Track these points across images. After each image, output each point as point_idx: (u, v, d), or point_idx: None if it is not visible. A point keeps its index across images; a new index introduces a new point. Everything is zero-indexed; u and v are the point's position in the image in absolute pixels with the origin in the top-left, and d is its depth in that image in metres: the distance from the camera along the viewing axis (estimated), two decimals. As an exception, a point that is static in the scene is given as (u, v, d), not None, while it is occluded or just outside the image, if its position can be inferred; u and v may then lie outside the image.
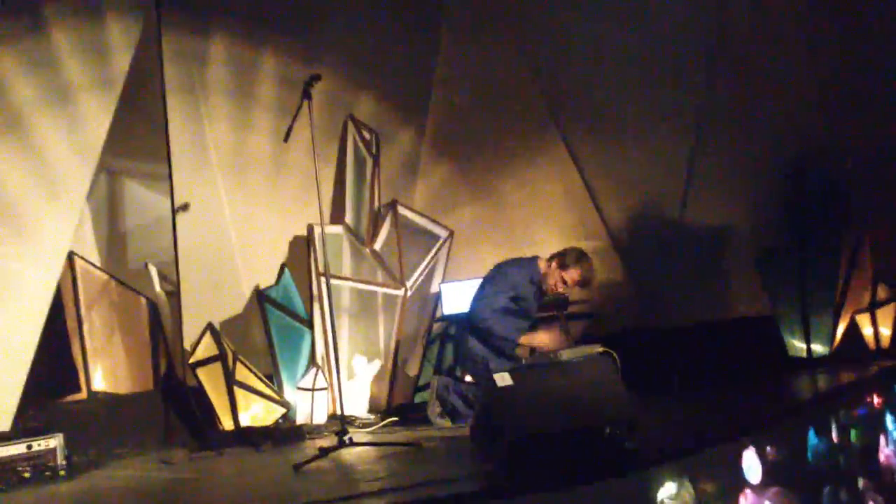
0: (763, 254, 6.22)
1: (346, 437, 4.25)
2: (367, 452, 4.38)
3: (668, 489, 3.15)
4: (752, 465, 3.56)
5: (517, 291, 5.12)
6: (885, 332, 6.09)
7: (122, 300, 6.57)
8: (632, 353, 4.17)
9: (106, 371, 6.43)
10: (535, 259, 5.25)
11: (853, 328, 6.15)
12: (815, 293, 6.06)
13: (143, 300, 6.54)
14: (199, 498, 3.83)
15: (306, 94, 4.36)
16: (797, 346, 6.18)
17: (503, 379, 3.28)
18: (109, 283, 6.53)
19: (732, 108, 6.22)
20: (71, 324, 6.28)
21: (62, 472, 4.59)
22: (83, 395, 6.24)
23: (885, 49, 5.82)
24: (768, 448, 3.68)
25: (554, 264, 5.16)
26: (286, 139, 4.51)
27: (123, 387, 6.42)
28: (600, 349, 4.61)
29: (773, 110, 6.09)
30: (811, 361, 6.06)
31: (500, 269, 5.20)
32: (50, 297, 5.11)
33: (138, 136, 6.30)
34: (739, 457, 3.55)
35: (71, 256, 6.18)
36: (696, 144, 6.36)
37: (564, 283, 5.14)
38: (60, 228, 5.18)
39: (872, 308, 6.08)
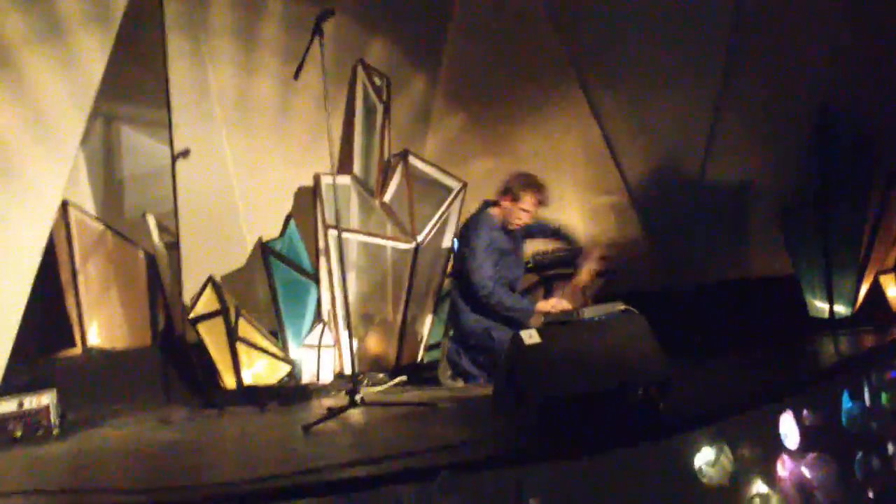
0: (786, 211, 6.01)
1: (357, 397, 4.04)
2: (378, 413, 4.21)
3: (705, 455, 2.95)
4: (788, 429, 3.36)
5: (490, 244, 5.00)
6: (910, 293, 5.87)
7: (119, 252, 6.48)
8: (650, 312, 3.98)
9: (102, 325, 6.36)
10: (484, 208, 5.16)
11: (876, 289, 5.92)
12: (838, 252, 5.80)
13: (141, 252, 6.44)
14: (202, 459, 3.65)
15: (318, 31, 4.10)
16: (819, 306, 5.96)
17: (531, 336, 3.07)
18: (105, 234, 6.44)
19: (758, 57, 5.96)
20: (65, 276, 6.23)
21: (55, 431, 4.43)
22: (78, 350, 6.19)
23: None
24: (804, 412, 3.48)
25: (506, 202, 5.08)
26: (296, 76, 4.29)
27: (120, 342, 6.35)
28: (622, 307, 4.48)
29: (800, 60, 5.84)
30: (833, 322, 5.80)
31: (463, 238, 5.05)
32: (42, 248, 4.86)
33: (136, 80, 6.10)
34: (775, 421, 3.35)
35: (65, 205, 6.13)
36: (721, 96, 6.13)
37: (525, 212, 5.06)
38: (53, 175, 4.93)
39: None
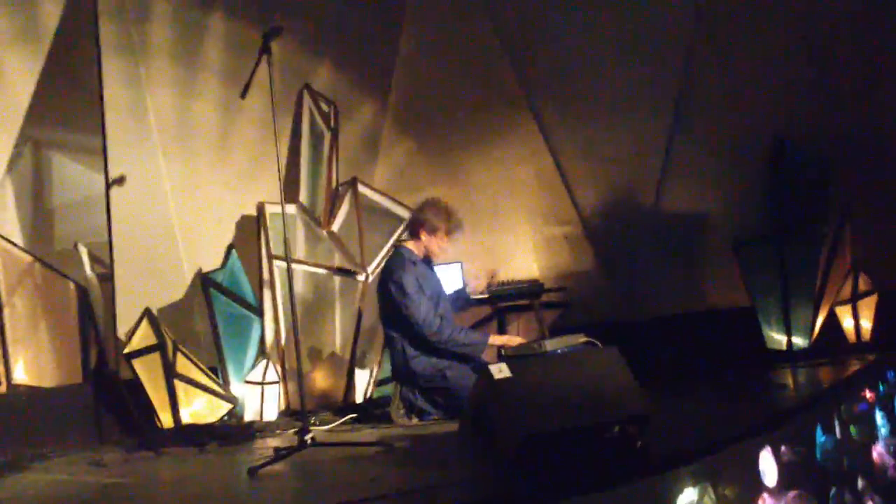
0: (741, 242, 6.01)
1: (308, 437, 3.76)
2: (330, 454, 3.92)
3: (688, 496, 2.76)
4: (767, 466, 3.21)
5: (419, 282, 4.71)
6: (866, 324, 5.91)
7: (48, 284, 6.06)
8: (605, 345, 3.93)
9: (28, 362, 5.91)
10: (400, 248, 4.88)
11: (832, 320, 5.98)
12: (794, 284, 5.84)
13: (72, 284, 6.03)
14: None
15: (265, 49, 3.87)
16: (776, 338, 5.97)
17: (500, 371, 2.85)
18: (33, 266, 5.99)
19: (713, 88, 6.06)
20: None
21: (-24, 476, 4.02)
22: (2, 388, 5.71)
23: (875, 27, 5.60)
24: (782, 448, 3.33)
25: (423, 236, 4.79)
26: (243, 95, 4.06)
27: (49, 379, 5.92)
28: (583, 339, 4.35)
29: (755, 91, 5.93)
30: (791, 354, 5.83)
31: (390, 283, 4.74)
32: (-37, 280, 4.45)
33: (69, 103, 5.74)
34: (755, 458, 3.18)
35: None
36: (675, 126, 6.18)
37: (445, 241, 4.81)
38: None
39: (854, 300, 5.89)
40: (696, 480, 2.83)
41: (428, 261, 4.89)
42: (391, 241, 5.71)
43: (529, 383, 2.86)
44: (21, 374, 5.87)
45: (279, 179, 4.06)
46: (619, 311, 6.24)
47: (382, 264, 5.24)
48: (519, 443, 2.68)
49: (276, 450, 3.86)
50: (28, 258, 5.99)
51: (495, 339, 4.77)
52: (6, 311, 5.89)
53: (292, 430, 4.44)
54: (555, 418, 2.75)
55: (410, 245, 4.85)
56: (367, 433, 4.51)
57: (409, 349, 4.70)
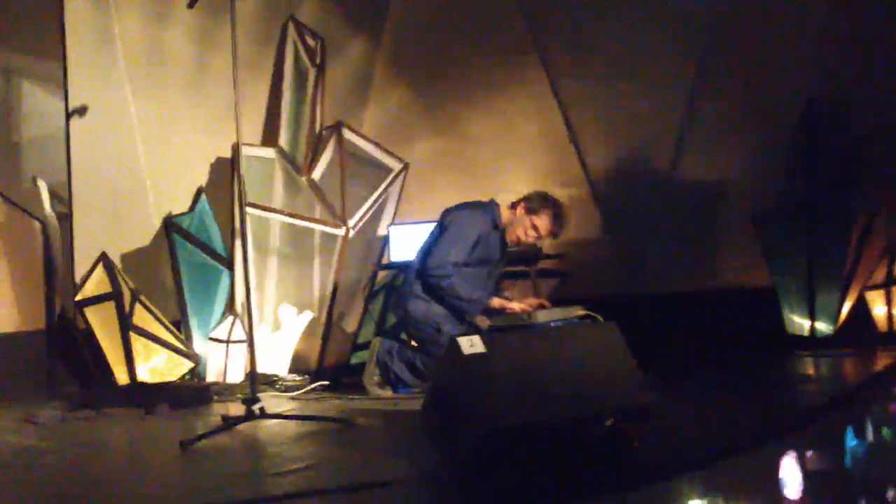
0: (764, 217, 5.57)
1: (255, 407, 3.31)
2: (283, 427, 3.48)
3: (692, 510, 2.26)
4: (790, 474, 2.71)
5: (479, 237, 4.42)
6: (900, 312, 5.44)
7: (11, 222, 5.79)
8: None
9: None
10: (494, 203, 4.58)
11: (861, 306, 5.53)
12: (821, 264, 5.38)
13: (38, 224, 5.74)
14: (41, 475, 2.89)
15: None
16: (798, 322, 5.51)
17: (472, 344, 2.34)
18: None
19: (739, 44, 5.60)
20: None
21: None
22: None
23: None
24: (808, 453, 2.83)
25: (521, 209, 4.48)
26: (191, 5, 3.51)
27: (8, 324, 5.66)
28: (581, 312, 3.90)
29: (784, 48, 5.49)
30: (813, 341, 5.38)
31: (455, 213, 4.48)
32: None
33: (35, 28, 5.43)
34: (775, 464, 2.69)
35: None
36: (696, 85, 5.74)
37: (536, 229, 4.46)
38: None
39: (888, 285, 5.43)
40: (704, 491, 2.34)
41: (502, 231, 4.54)
42: (376, 194, 5.24)
43: (505, 362, 2.35)
44: (-23, 318, 5.74)
45: (235, 105, 3.49)
46: (624, 284, 5.83)
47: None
48: (486, 436, 2.18)
49: (224, 418, 3.52)
50: (-11, 193, 5.88)
51: (494, 302, 4.35)
52: (-38, 250, 5.74)
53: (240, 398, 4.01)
54: (533, 408, 2.26)
55: (504, 210, 4.54)
56: (331, 404, 4.06)
57: (416, 286, 4.41)
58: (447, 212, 4.51)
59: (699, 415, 3.20)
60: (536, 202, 4.45)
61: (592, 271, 5.76)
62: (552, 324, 3.62)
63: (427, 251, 4.45)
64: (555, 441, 2.33)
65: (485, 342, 2.38)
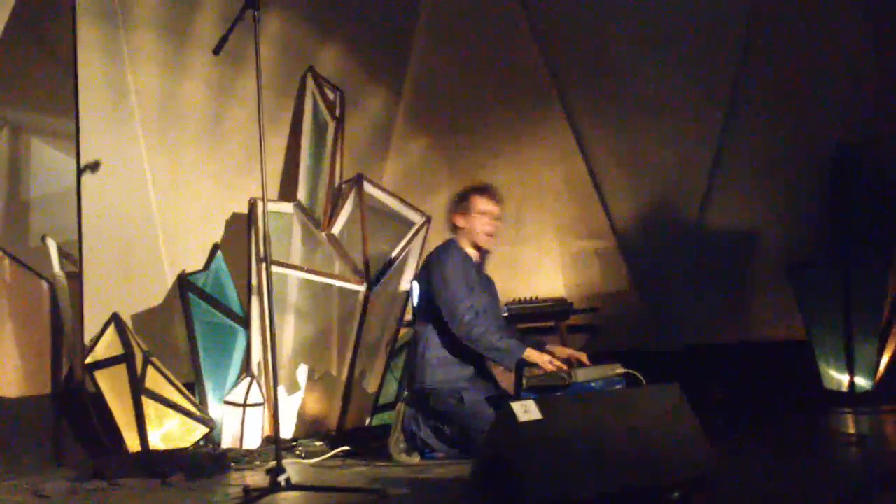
0: (798, 266, 5.42)
1: (282, 478, 3.09)
2: (308, 499, 3.25)
3: None
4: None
5: (470, 281, 4.22)
6: (940, 365, 5.21)
7: (19, 282, 5.73)
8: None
9: None
10: (449, 241, 4.38)
11: None
12: (858, 315, 5.20)
13: (45, 285, 5.64)
14: None
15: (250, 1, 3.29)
16: (835, 377, 5.31)
17: (526, 410, 2.13)
18: (3, 261, 5.68)
19: (768, 90, 5.56)
20: None
21: None
22: None
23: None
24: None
25: (459, 220, 4.33)
26: (217, 51, 3.45)
27: (13, 389, 5.53)
28: (620, 370, 3.74)
29: (816, 93, 5.42)
30: (851, 397, 5.17)
31: (426, 265, 4.32)
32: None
33: (47, 83, 5.39)
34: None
35: None
36: (724, 132, 5.68)
37: (484, 215, 4.30)
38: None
39: None
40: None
41: (479, 265, 4.38)
42: (398, 248, 5.11)
43: (564, 429, 2.15)
44: (-19, 382, 5.66)
45: (261, 166, 3.37)
46: (655, 337, 5.71)
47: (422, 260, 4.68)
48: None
49: (246, 489, 3.29)
50: (-3, 253, 5.83)
51: (532, 355, 4.03)
52: (-32, 311, 5.71)
53: (265, 468, 3.79)
54: (596, 479, 2.04)
55: (457, 237, 4.36)
56: (357, 472, 3.83)
57: (430, 352, 4.17)
58: (424, 272, 4.33)
59: (755, 478, 2.97)
60: (458, 200, 4.33)
61: (622, 325, 5.66)
62: (592, 384, 3.44)
63: (428, 315, 4.23)
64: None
65: (540, 408, 2.18)
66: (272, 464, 3.30)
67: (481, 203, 4.27)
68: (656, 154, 5.75)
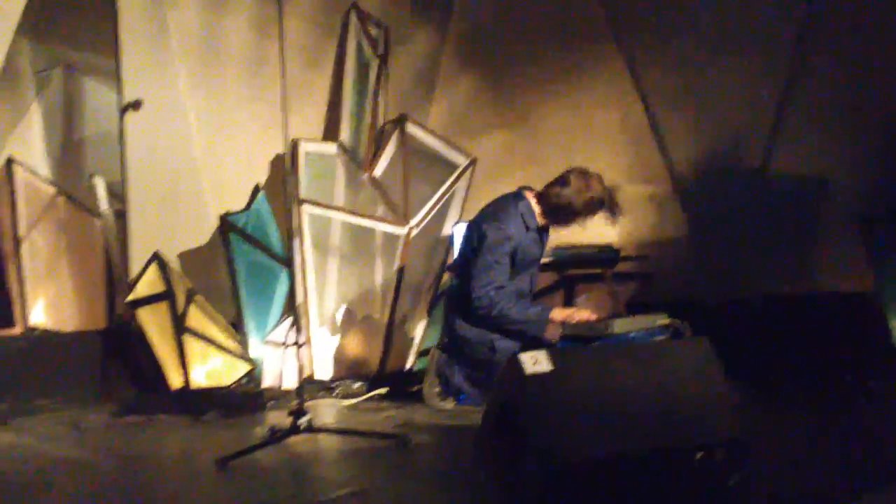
0: (870, 217, 5.04)
1: (301, 421, 3.05)
2: (332, 442, 3.24)
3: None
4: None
5: (516, 248, 4.01)
6: None
7: (73, 220, 6.06)
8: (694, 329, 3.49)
9: (48, 303, 5.91)
10: (521, 195, 4.12)
11: None
12: None
13: (99, 221, 5.86)
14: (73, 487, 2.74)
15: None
16: None
17: (535, 362, 2.00)
18: (57, 199, 6.02)
19: (842, 25, 5.13)
20: (6, 244, 5.82)
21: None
22: (17, 329, 5.73)
23: None
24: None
25: (563, 199, 4.02)
26: None
27: (69, 323, 5.91)
28: (665, 320, 3.56)
29: (891, 32, 4.97)
30: None
31: (484, 228, 4.03)
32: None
33: (90, 18, 5.41)
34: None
35: (9, 163, 5.75)
36: (793, 72, 5.30)
37: (575, 224, 4.10)
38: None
39: None
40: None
41: (544, 229, 4.16)
42: (441, 191, 5.02)
43: (575, 384, 2.00)
44: (39, 316, 5.86)
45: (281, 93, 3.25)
46: (711, 289, 5.39)
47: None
48: (554, 471, 1.84)
49: (272, 430, 3.25)
50: (51, 190, 5.96)
51: (557, 314, 3.90)
52: (25, 247, 5.84)
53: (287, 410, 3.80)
54: (609, 439, 1.91)
55: (531, 198, 4.10)
56: (388, 416, 3.78)
57: (461, 306, 4.08)
58: (475, 224, 4.12)
59: (806, 448, 2.76)
60: (588, 196, 3.97)
61: (676, 275, 5.41)
62: (632, 335, 3.27)
63: (466, 270, 4.08)
64: (634, 477, 1.98)
65: (552, 359, 2.04)
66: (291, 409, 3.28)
67: (595, 218, 4.06)
68: (719, 95, 5.43)
